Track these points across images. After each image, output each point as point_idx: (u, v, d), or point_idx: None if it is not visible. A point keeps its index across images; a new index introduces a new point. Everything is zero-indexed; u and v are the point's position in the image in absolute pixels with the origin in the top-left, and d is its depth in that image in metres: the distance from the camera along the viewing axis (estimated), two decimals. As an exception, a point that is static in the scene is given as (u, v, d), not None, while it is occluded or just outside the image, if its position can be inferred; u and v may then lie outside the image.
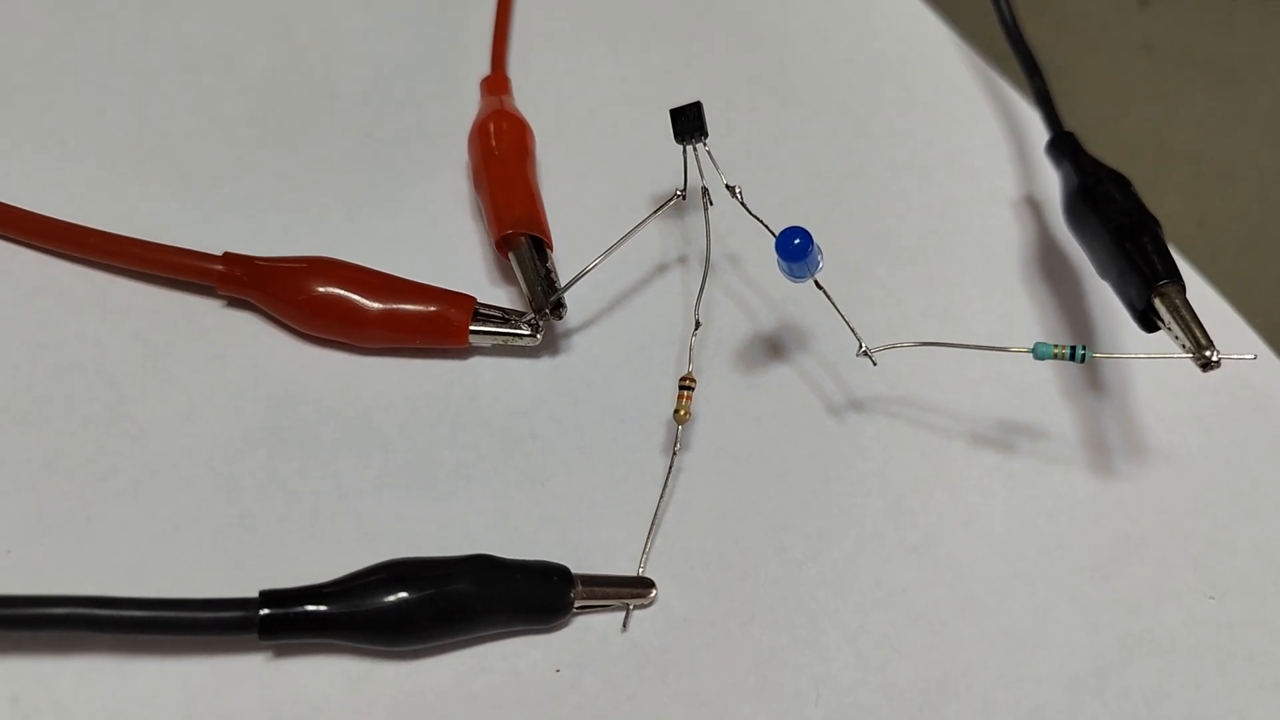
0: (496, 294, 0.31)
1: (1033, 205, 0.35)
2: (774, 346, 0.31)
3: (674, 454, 0.28)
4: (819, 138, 0.36)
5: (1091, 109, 0.37)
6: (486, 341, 0.30)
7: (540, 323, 0.29)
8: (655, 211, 0.30)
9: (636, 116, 0.35)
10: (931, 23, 0.40)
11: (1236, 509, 0.29)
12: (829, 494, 0.29)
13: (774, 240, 0.27)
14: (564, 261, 0.31)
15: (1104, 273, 0.28)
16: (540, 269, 0.30)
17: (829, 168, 0.35)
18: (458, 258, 0.32)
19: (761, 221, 0.28)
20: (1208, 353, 0.25)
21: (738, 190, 0.29)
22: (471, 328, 0.29)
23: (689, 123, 0.29)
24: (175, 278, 0.30)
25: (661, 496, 0.27)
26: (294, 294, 0.29)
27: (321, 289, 0.29)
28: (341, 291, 0.29)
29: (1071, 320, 0.32)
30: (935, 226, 0.34)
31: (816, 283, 0.27)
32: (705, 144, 0.29)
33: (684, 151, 0.29)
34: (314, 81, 0.35)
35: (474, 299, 0.30)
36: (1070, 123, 0.33)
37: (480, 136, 0.32)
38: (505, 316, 0.30)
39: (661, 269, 0.32)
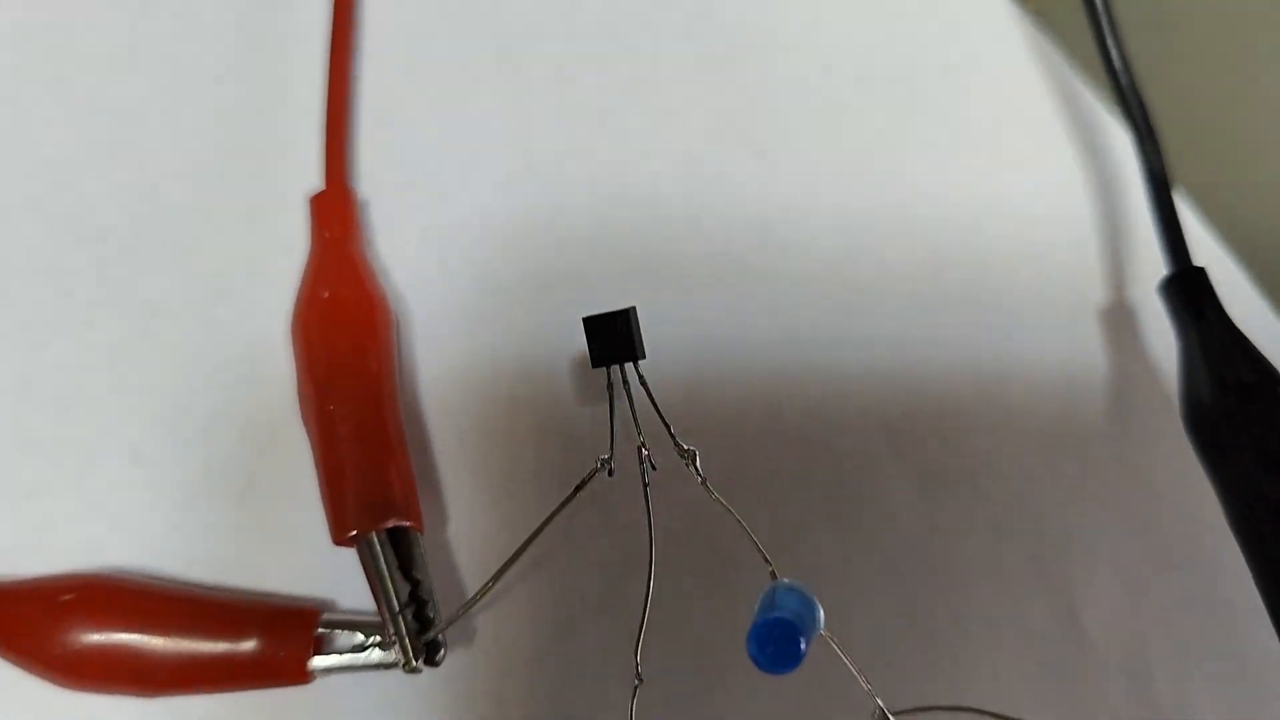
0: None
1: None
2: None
3: None
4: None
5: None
6: (340, 668, 0.20)
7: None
8: (569, 498, 0.19)
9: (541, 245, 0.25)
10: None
11: None
12: None
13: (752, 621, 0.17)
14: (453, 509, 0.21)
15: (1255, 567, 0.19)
16: (399, 577, 0.20)
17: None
18: (301, 501, 0.22)
19: (747, 530, 0.19)
20: None
21: (694, 458, 0.19)
22: (315, 662, 0.20)
23: (613, 339, 0.19)
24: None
25: None
26: (46, 647, 0.19)
27: (86, 638, 0.19)
28: (117, 637, 0.19)
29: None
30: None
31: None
32: (638, 370, 0.19)
33: (608, 382, 0.19)
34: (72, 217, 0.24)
35: (315, 614, 0.20)
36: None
37: (301, 349, 0.21)
38: (367, 632, 0.20)
39: (581, 559, 0.22)
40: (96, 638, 0.19)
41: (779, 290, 0.24)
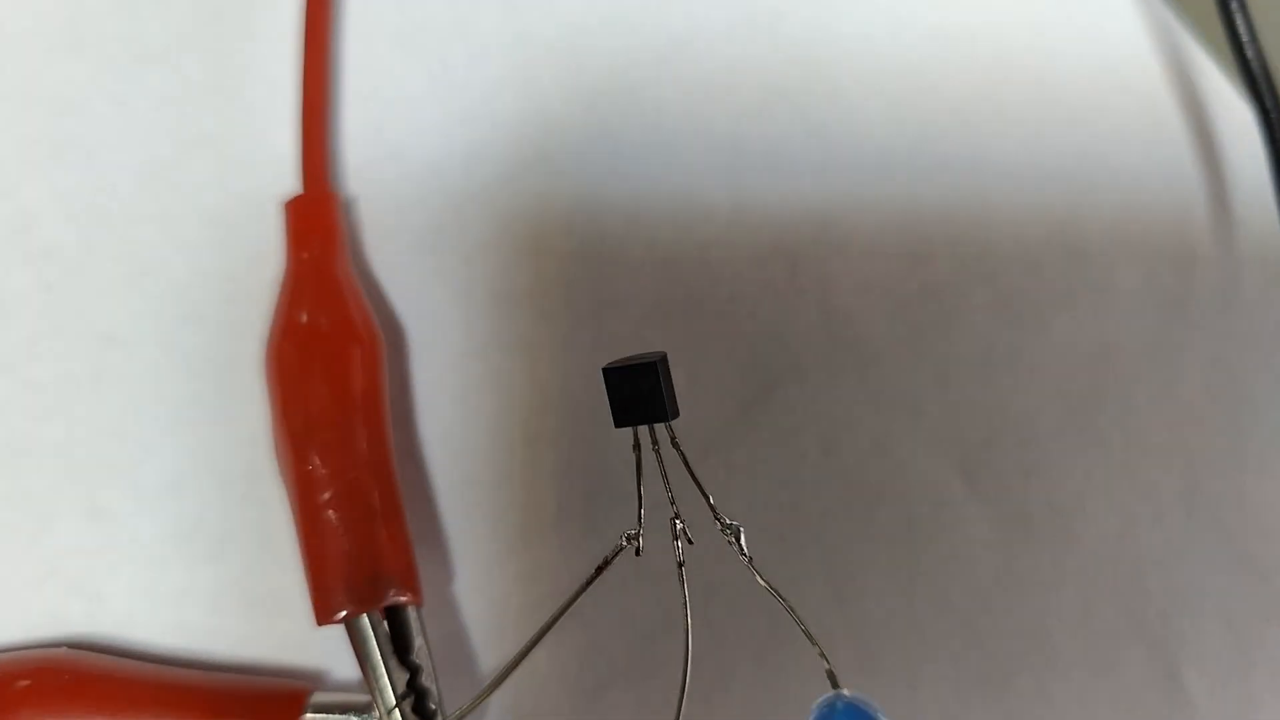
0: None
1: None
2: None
3: None
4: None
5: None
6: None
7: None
8: (588, 583, 0.16)
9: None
10: None
11: None
12: None
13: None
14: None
15: None
16: (394, 663, 0.17)
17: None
18: (285, 557, 0.19)
19: (794, 615, 0.16)
20: None
21: (738, 535, 0.16)
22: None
23: (641, 396, 0.16)
24: None
25: None
26: None
27: None
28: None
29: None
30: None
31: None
32: (670, 431, 0.16)
33: (634, 443, 0.16)
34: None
35: (303, 694, 0.18)
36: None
37: (275, 388, 0.18)
38: (362, 714, 0.17)
39: (611, 616, 0.19)
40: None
41: (834, 309, 0.21)
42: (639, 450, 0.16)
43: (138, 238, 0.19)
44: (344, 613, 0.17)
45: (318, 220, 0.19)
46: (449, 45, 0.21)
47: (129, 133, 0.20)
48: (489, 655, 0.19)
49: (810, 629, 0.16)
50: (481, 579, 0.19)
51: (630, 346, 0.20)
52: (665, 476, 0.16)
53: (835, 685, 0.16)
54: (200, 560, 0.19)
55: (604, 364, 0.16)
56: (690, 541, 0.16)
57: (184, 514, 0.19)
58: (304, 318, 0.18)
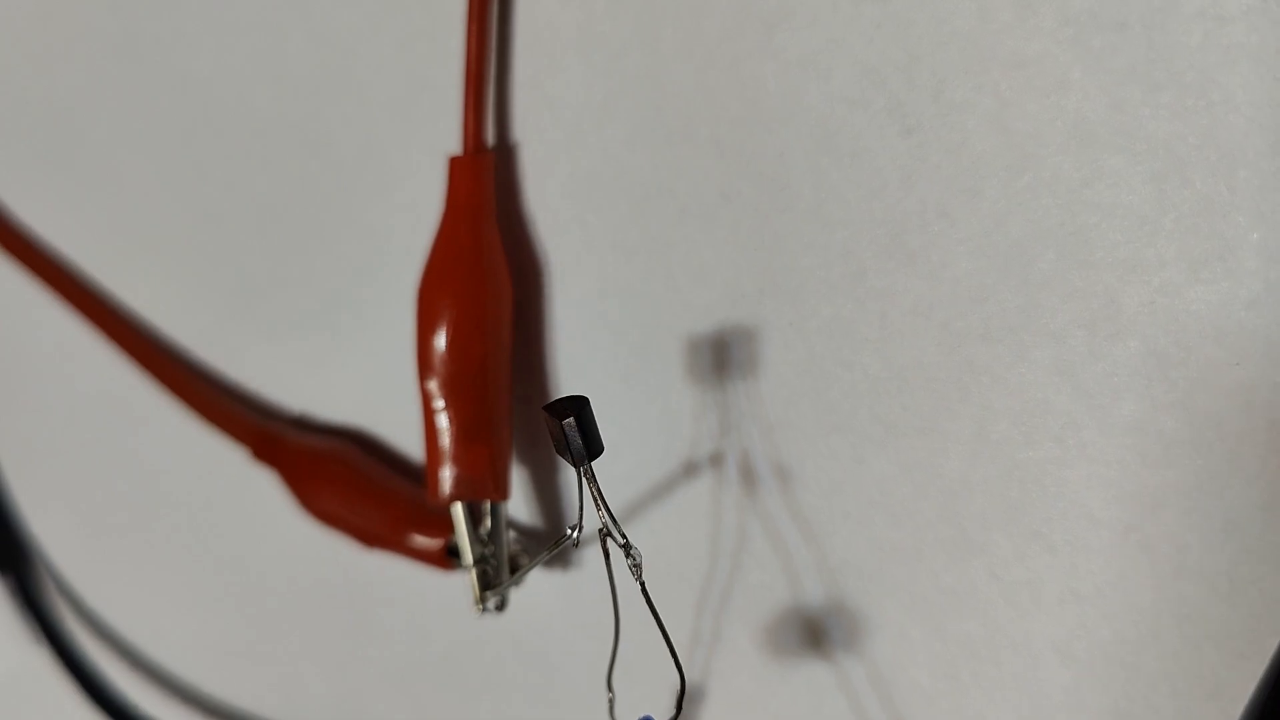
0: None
1: None
2: None
3: None
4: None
5: None
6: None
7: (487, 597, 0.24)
8: (545, 554, 0.21)
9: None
10: None
11: None
12: None
13: None
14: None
15: None
16: (482, 539, 0.24)
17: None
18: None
19: (666, 638, 0.19)
20: None
21: (634, 555, 0.19)
22: (453, 561, 0.25)
23: (564, 436, 0.19)
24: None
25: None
26: (303, 490, 0.28)
27: (324, 491, 0.27)
28: (341, 497, 0.27)
29: None
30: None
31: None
32: (588, 470, 0.19)
33: (577, 471, 0.20)
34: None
35: (451, 530, 0.25)
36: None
37: (417, 317, 0.24)
38: (473, 562, 0.25)
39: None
40: (324, 495, 0.27)
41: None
42: (580, 479, 0.20)
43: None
44: (444, 497, 0.24)
45: (471, 177, 0.23)
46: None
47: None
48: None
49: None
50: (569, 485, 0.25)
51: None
52: (597, 499, 0.20)
53: (678, 708, 0.19)
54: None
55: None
56: (620, 546, 0.20)
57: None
58: (440, 270, 0.23)
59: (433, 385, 0.24)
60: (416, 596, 0.28)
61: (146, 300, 0.31)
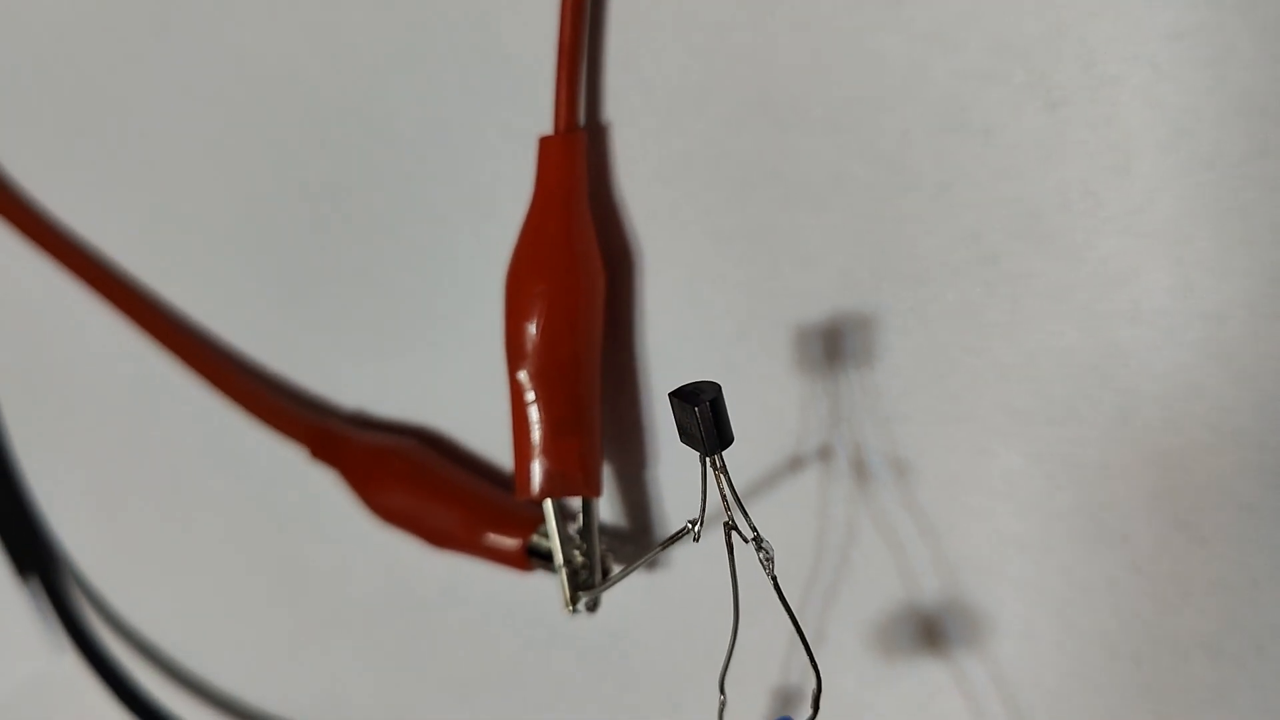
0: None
1: None
2: None
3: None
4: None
5: None
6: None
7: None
8: (661, 548, 0.20)
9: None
10: None
11: None
12: None
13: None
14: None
15: None
16: (572, 536, 0.23)
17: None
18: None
19: (800, 634, 0.18)
20: None
21: (766, 548, 0.18)
22: (534, 560, 0.24)
23: (696, 422, 0.18)
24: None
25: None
26: (367, 488, 0.26)
27: (390, 490, 0.26)
28: (408, 496, 0.26)
29: None
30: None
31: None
32: (719, 460, 0.18)
33: (701, 459, 0.19)
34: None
35: (534, 524, 0.24)
36: None
37: (507, 304, 0.23)
38: (564, 562, 0.24)
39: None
40: (390, 492, 0.26)
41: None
42: (704, 467, 0.19)
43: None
44: (535, 493, 0.23)
45: (564, 159, 0.22)
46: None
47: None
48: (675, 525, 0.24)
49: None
50: (679, 467, 0.24)
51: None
52: (721, 488, 0.19)
53: (815, 708, 0.19)
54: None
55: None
56: (744, 541, 0.19)
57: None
58: (532, 257, 0.22)
59: (523, 376, 0.23)
60: (484, 600, 0.27)
61: (191, 294, 0.29)
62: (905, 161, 0.20)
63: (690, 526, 0.20)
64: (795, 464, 0.22)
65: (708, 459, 0.19)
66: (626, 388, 0.24)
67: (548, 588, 0.26)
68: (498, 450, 0.26)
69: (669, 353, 0.23)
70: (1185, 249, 0.18)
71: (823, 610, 0.22)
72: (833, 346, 0.21)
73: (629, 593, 0.25)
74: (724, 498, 0.19)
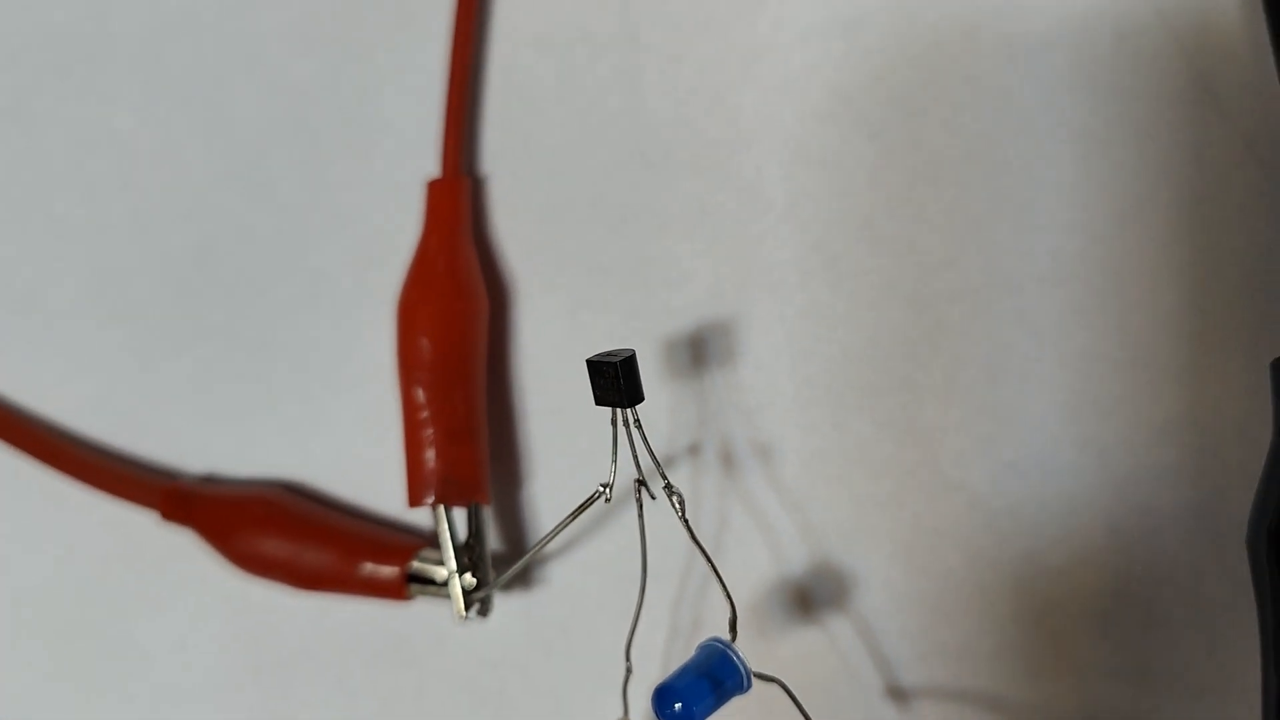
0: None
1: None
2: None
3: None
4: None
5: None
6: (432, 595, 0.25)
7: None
8: (570, 518, 0.22)
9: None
10: None
11: None
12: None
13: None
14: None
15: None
16: (459, 543, 0.24)
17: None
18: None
19: (714, 569, 0.20)
20: None
21: (676, 496, 0.21)
22: (413, 587, 0.25)
23: (612, 384, 0.20)
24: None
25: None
26: (228, 540, 0.26)
27: (255, 538, 0.26)
28: (275, 541, 0.26)
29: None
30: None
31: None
32: (634, 414, 0.21)
33: (613, 420, 0.21)
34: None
35: (411, 550, 0.25)
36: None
37: (399, 328, 0.25)
38: (445, 579, 0.24)
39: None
40: (256, 539, 0.26)
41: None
42: (614, 425, 0.21)
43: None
44: (428, 501, 0.24)
45: (449, 196, 0.25)
46: (573, 48, 0.25)
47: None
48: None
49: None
50: (549, 486, 0.25)
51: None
52: (633, 445, 0.21)
53: (733, 633, 0.21)
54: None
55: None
56: (654, 497, 0.21)
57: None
58: (424, 280, 0.25)
59: (417, 391, 0.24)
60: (347, 650, 0.27)
61: (23, 371, 0.29)
62: (760, 190, 0.24)
63: (602, 490, 0.21)
64: (665, 464, 0.24)
65: (624, 413, 0.21)
66: (502, 411, 0.26)
67: (415, 628, 0.26)
68: (369, 497, 0.27)
69: (545, 377, 0.25)
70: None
71: (698, 601, 0.24)
72: (699, 353, 0.24)
73: (505, 617, 0.26)
74: (634, 453, 0.21)
